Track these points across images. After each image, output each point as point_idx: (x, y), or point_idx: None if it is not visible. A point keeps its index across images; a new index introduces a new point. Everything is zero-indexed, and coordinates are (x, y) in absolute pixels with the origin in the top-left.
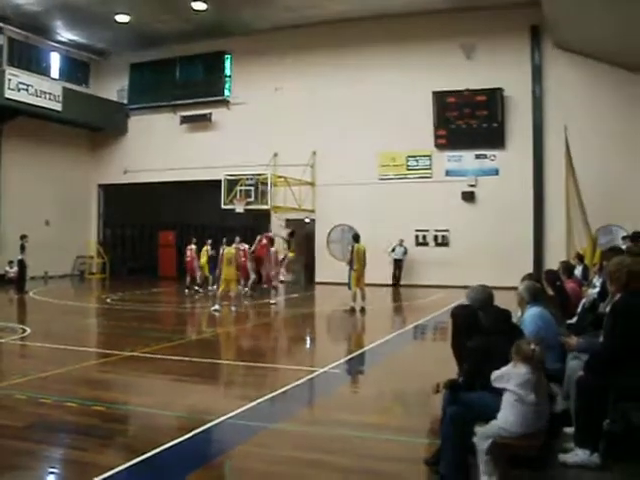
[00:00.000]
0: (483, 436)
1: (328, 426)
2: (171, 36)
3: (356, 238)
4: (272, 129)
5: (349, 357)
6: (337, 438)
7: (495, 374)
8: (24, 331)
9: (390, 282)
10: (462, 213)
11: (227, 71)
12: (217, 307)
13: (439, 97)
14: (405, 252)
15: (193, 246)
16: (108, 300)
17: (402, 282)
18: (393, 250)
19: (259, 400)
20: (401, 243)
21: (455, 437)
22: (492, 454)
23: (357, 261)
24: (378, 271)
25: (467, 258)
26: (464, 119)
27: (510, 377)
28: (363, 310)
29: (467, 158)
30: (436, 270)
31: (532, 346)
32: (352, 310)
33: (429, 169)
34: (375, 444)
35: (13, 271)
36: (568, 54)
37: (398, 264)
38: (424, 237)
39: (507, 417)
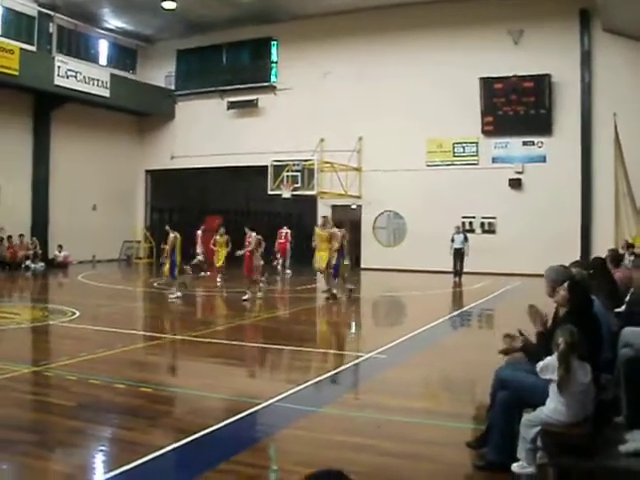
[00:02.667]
0: (529, 424)
1: (374, 411)
2: (217, 22)
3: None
4: (318, 115)
5: (395, 342)
6: (382, 423)
7: (539, 365)
8: (73, 314)
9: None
10: (509, 200)
11: (273, 57)
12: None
13: (486, 83)
14: (465, 239)
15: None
16: (155, 284)
17: (444, 269)
18: (452, 240)
19: (305, 384)
20: (459, 230)
21: (503, 422)
22: (541, 443)
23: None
24: (424, 257)
25: (513, 245)
26: (511, 105)
27: (554, 368)
28: (350, 295)
29: (514, 145)
30: (482, 257)
31: (560, 339)
32: (350, 293)
33: (476, 156)
34: (420, 429)
35: (62, 255)
36: (618, 38)
37: (459, 253)
38: (470, 224)
39: (554, 406)
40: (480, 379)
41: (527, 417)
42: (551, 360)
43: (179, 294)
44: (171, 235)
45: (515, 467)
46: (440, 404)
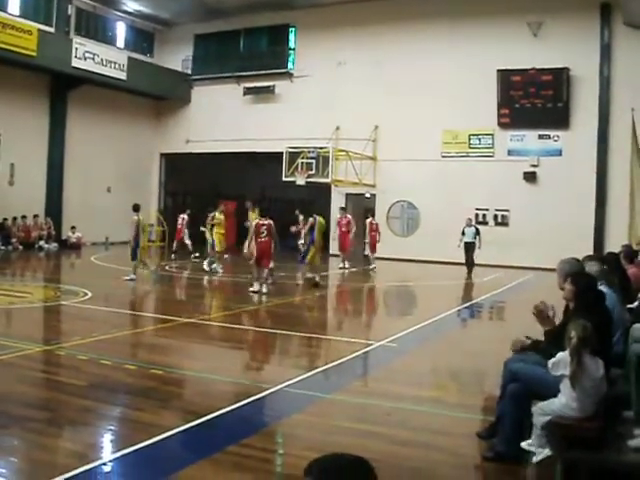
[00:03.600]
0: (542, 412)
1: (384, 398)
2: (236, 8)
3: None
4: (335, 102)
5: (405, 332)
6: (393, 411)
7: (551, 362)
8: (85, 294)
9: (460, 261)
10: (523, 193)
11: (291, 44)
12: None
13: (504, 75)
14: (477, 232)
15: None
16: (167, 267)
17: (457, 260)
18: (463, 233)
19: (316, 370)
20: (470, 223)
21: (513, 414)
22: (548, 431)
23: (318, 234)
24: (437, 248)
25: (526, 239)
26: (529, 98)
27: (566, 363)
28: (317, 284)
29: (530, 138)
30: (494, 250)
31: (573, 333)
32: (315, 284)
33: (491, 148)
34: (430, 418)
35: (75, 236)
36: (639, 32)
37: (469, 248)
38: (484, 216)
39: (565, 401)
40: (489, 370)
41: (540, 405)
42: (563, 355)
43: (133, 276)
44: (134, 217)
45: (524, 444)
46: (450, 394)
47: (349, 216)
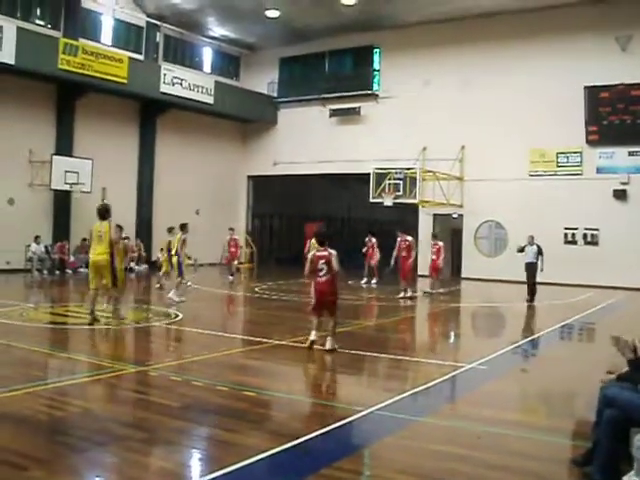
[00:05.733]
0: None
1: (475, 422)
2: (320, 30)
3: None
4: (421, 123)
5: (496, 354)
6: (484, 434)
7: None
8: (177, 316)
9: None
10: (613, 211)
11: (376, 65)
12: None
13: (592, 92)
14: (539, 252)
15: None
16: (256, 289)
17: (545, 280)
18: (522, 250)
19: (406, 393)
20: (532, 241)
21: (610, 441)
22: None
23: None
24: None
25: (617, 258)
26: (617, 114)
27: None
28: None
29: (619, 155)
30: (584, 269)
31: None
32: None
33: (579, 166)
34: (522, 442)
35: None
36: None
37: (531, 268)
38: (573, 235)
39: None
40: (580, 394)
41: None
42: None
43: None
44: (181, 236)
45: (626, 478)
46: (540, 418)
47: (409, 238)
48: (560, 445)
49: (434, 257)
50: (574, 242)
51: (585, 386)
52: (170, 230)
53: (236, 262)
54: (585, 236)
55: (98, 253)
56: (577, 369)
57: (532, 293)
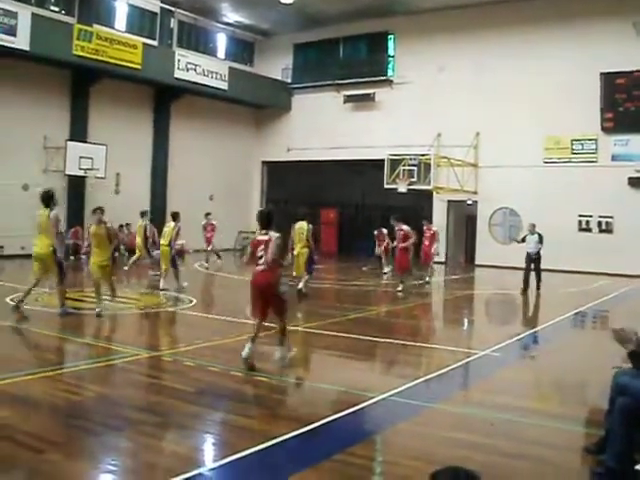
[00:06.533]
0: None
1: (488, 409)
2: (334, 16)
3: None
4: (435, 109)
5: (509, 341)
6: (497, 421)
7: None
8: (191, 301)
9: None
10: (628, 199)
11: (390, 51)
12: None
13: (607, 78)
14: (540, 241)
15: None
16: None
17: (559, 267)
18: (523, 240)
19: (419, 379)
20: (533, 230)
21: (623, 428)
22: None
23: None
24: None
25: (632, 246)
26: (634, 101)
27: None
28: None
29: (635, 142)
30: (599, 257)
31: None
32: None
33: (594, 153)
34: (534, 430)
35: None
36: None
37: (532, 261)
38: (587, 223)
39: None
40: (593, 382)
41: None
42: None
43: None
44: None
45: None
46: (553, 405)
47: (405, 227)
48: (573, 433)
49: (426, 242)
50: (589, 230)
51: (598, 373)
52: (143, 214)
53: (210, 247)
54: (600, 224)
55: (40, 246)
56: (590, 357)
57: (537, 286)
